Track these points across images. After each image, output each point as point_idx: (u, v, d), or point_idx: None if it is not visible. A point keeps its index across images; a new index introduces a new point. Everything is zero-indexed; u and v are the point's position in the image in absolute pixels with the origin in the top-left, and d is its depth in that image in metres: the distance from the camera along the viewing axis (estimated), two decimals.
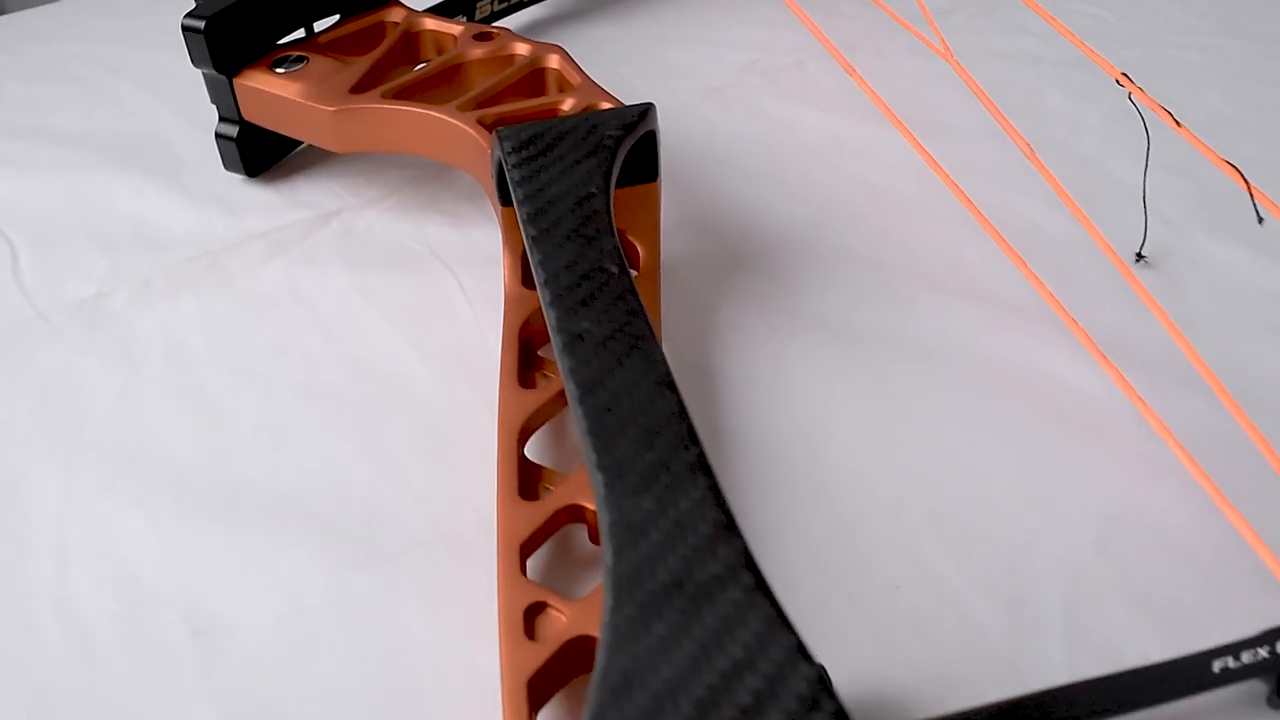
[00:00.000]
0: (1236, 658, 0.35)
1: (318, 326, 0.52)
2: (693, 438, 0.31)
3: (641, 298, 0.45)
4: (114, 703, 0.38)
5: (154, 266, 0.56)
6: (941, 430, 0.46)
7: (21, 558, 0.43)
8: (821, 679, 0.25)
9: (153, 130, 0.67)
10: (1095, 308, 0.49)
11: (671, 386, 0.32)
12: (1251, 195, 0.45)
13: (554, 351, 0.35)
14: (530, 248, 0.38)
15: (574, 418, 0.32)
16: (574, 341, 0.34)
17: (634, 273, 0.48)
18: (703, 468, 0.30)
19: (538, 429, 0.42)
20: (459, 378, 0.48)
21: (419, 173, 0.61)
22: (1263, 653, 0.35)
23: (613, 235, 0.38)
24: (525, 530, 0.37)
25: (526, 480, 0.39)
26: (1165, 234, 0.55)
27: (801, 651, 0.25)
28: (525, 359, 0.44)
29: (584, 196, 0.40)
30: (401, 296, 0.53)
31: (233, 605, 0.40)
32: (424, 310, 0.52)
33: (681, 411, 0.32)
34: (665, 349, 0.48)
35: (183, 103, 0.68)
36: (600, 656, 0.26)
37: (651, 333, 0.34)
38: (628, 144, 0.44)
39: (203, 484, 0.45)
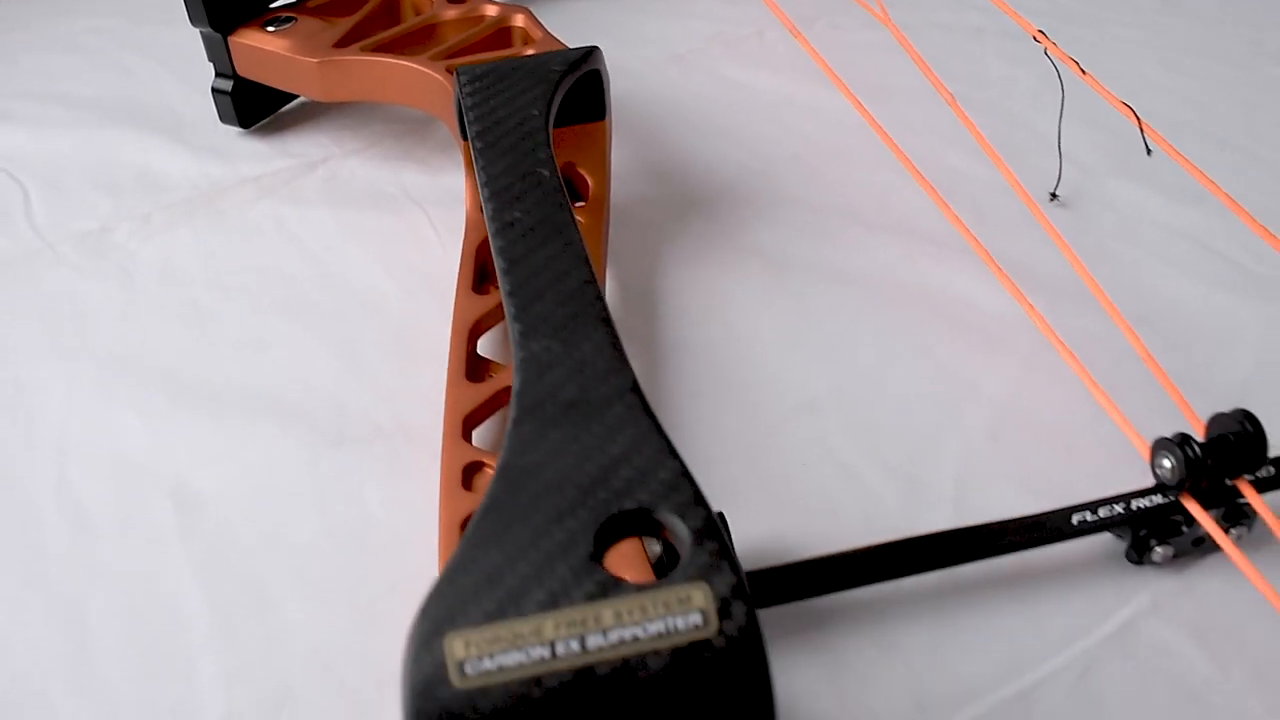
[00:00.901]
0: (1094, 513, 0.40)
1: (299, 253, 0.57)
2: (598, 300, 0.35)
3: (589, 225, 0.51)
4: (104, 568, 0.42)
5: (154, 205, 0.61)
6: (858, 343, 0.51)
7: (26, 450, 0.48)
8: (697, 496, 0.29)
9: (156, 94, 0.72)
10: (1008, 242, 0.54)
11: (585, 262, 0.37)
12: (1141, 130, 0.50)
13: (489, 237, 0.40)
14: (475, 158, 0.43)
15: (500, 288, 0.37)
16: (505, 228, 0.39)
17: (583, 203, 0.53)
18: (604, 321, 0.34)
19: (487, 330, 0.47)
20: (424, 294, 0.53)
21: (399, 127, 0.67)
22: (1118, 509, 0.40)
23: (548, 148, 0.43)
24: (469, 405, 0.42)
25: (474, 368, 0.44)
26: (1080, 178, 0.60)
27: (671, 452, 0.30)
28: (480, 273, 0.49)
29: (525, 118, 0.45)
30: (376, 229, 0.58)
31: (213, 484, 0.45)
32: (395, 239, 0.57)
33: (590, 280, 0.36)
34: (614, 273, 0.53)
35: (185, 71, 0.73)
36: (500, 461, 0.30)
37: (573, 221, 0.39)
38: (571, 79, 0.49)
39: (191, 384, 0.50)
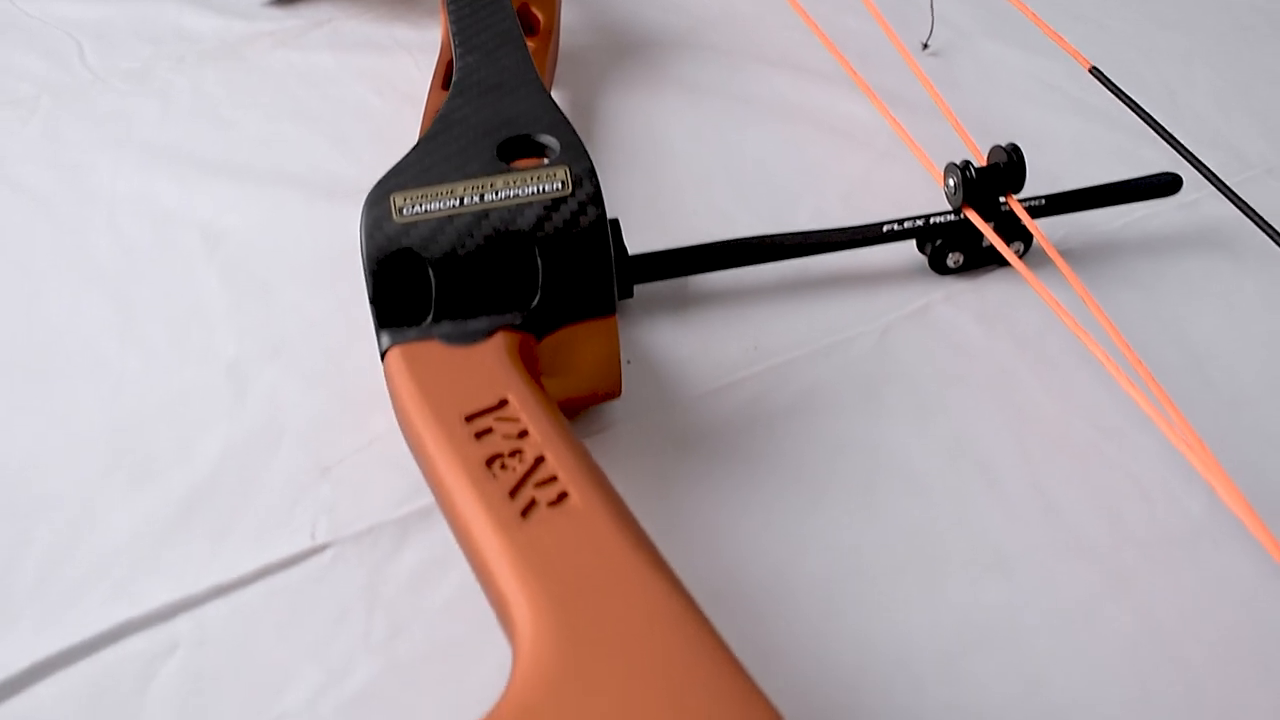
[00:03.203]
0: (900, 225, 0.52)
1: (305, 82, 0.70)
2: (520, 39, 0.48)
3: (538, 51, 0.63)
4: (146, 273, 0.55)
5: (187, 51, 0.74)
6: (747, 141, 0.63)
7: (83, 205, 0.60)
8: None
9: None
10: (883, 77, 0.66)
11: (517, 27, 0.50)
12: None
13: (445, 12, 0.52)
14: None
15: (449, 29, 0.50)
16: (458, 5, 0.52)
17: (535, 34, 0.65)
18: (523, 48, 0.47)
19: None
20: (406, 108, 0.66)
21: None
22: (919, 222, 0.52)
23: None
24: None
25: None
26: (954, 36, 0.73)
27: (556, 110, 0.43)
28: (447, 76, 0.62)
29: None
30: (369, 66, 0.71)
31: (232, 222, 0.58)
32: (384, 73, 0.70)
33: (517, 32, 0.49)
34: (562, 95, 0.66)
35: None
36: (436, 115, 0.43)
37: (514, 13, 0.52)
38: None
39: (215, 162, 0.63)
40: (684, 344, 0.50)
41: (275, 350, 0.51)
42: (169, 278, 0.55)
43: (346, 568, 0.42)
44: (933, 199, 0.54)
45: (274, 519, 0.44)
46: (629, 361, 0.49)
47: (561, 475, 0.34)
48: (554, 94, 0.60)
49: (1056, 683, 0.38)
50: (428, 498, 0.43)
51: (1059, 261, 0.48)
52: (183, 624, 0.41)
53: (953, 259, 0.52)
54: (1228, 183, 0.48)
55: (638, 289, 0.51)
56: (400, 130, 0.61)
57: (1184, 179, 0.53)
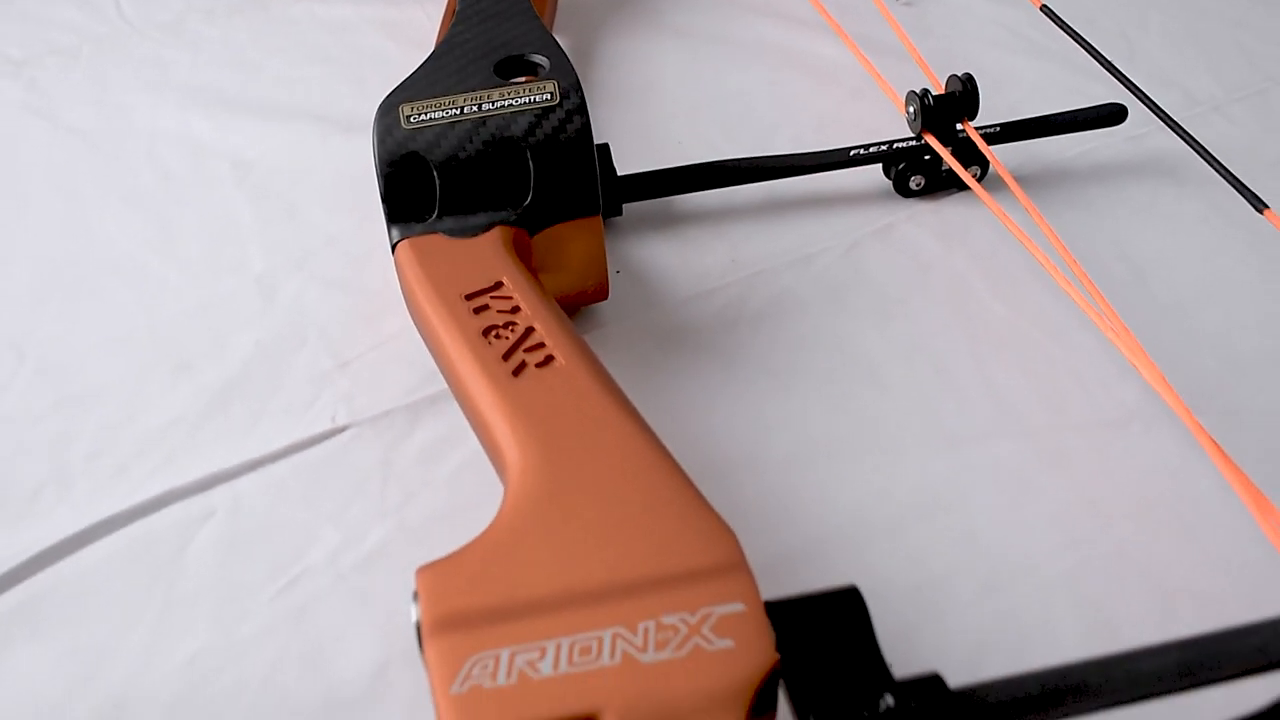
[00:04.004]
0: (866, 149, 0.57)
1: (328, 31, 0.75)
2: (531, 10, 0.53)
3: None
4: (182, 196, 0.61)
5: (216, 4, 0.80)
6: (733, 79, 0.69)
7: (125, 137, 0.66)
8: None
9: None
10: (860, 24, 0.70)
11: None
12: None
13: None
14: None
15: None
16: None
17: None
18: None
19: None
20: (416, 51, 0.70)
21: None
22: (883, 147, 0.57)
23: None
24: None
25: None
26: None
27: (550, 36, 0.48)
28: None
29: None
30: (385, 16, 0.76)
31: (260, 154, 0.64)
32: (398, 22, 0.76)
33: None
34: (562, 40, 0.71)
35: None
36: (441, 40, 0.48)
37: None
38: None
39: (244, 101, 0.68)
40: (668, 256, 0.56)
41: (299, 263, 0.56)
42: (203, 202, 0.61)
43: (363, 446, 0.48)
44: (899, 130, 0.59)
45: (299, 406, 0.49)
46: (618, 271, 0.54)
47: (548, 342, 0.39)
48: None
49: (994, 539, 0.43)
50: (435, 387, 0.48)
51: (1010, 182, 0.53)
52: (218, 494, 0.46)
53: (915, 182, 0.57)
54: (1176, 119, 0.52)
55: (626, 208, 0.56)
56: (418, 57, 0.66)
57: (1132, 112, 0.58)
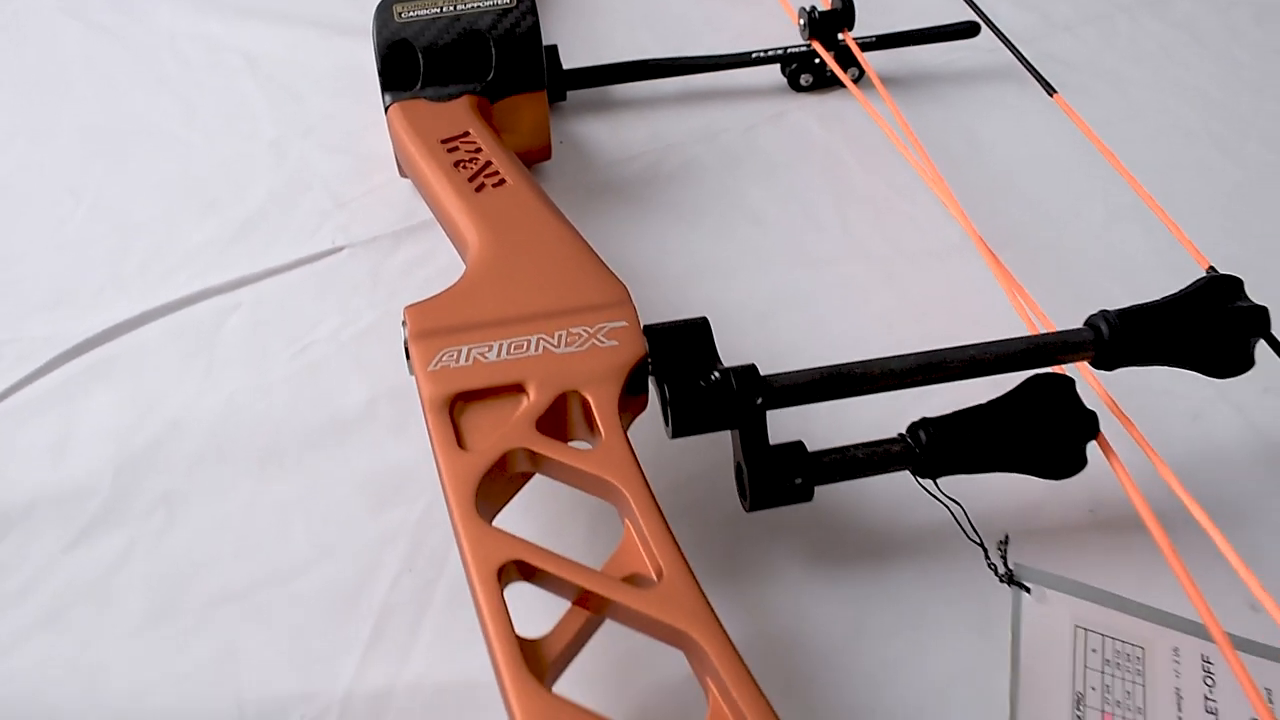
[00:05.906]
0: (765, 52, 0.71)
1: None
2: None
3: None
4: (202, 84, 0.74)
5: None
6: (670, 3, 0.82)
7: (148, 35, 0.79)
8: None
9: None
10: None
11: None
12: None
13: None
14: None
15: None
16: None
17: None
18: None
19: None
20: None
21: None
22: (779, 51, 0.71)
23: None
24: None
25: None
26: None
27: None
28: None
29: None
30: None
31: (270, 49, 0.77)
32: None
33: None
34: None
35: None
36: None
37: None
38: None
39: (253, 8, 0.81)
40: (602, 132, 0.69)
41: (305, 133, 0.70)
42: (221, 86, 0.74)
43: (358, 260, 0.61)
44: (794, 38, 0.73)
45: (306, 233, 0.63)
46: (561, 141, 0.68)
47: (502, 171, 0.53)
48: None
49: (834, 328, 0.57)
50: (415, 219, 0.62)
51: (875, 80, 0.67)
52: (244, 293, 0.60)
53: (804, 79, 0.71)
54: (1032, 37, 0.67)
55: (570, 94, 0.70)
56: None
57: (988, 30, 0.72)
